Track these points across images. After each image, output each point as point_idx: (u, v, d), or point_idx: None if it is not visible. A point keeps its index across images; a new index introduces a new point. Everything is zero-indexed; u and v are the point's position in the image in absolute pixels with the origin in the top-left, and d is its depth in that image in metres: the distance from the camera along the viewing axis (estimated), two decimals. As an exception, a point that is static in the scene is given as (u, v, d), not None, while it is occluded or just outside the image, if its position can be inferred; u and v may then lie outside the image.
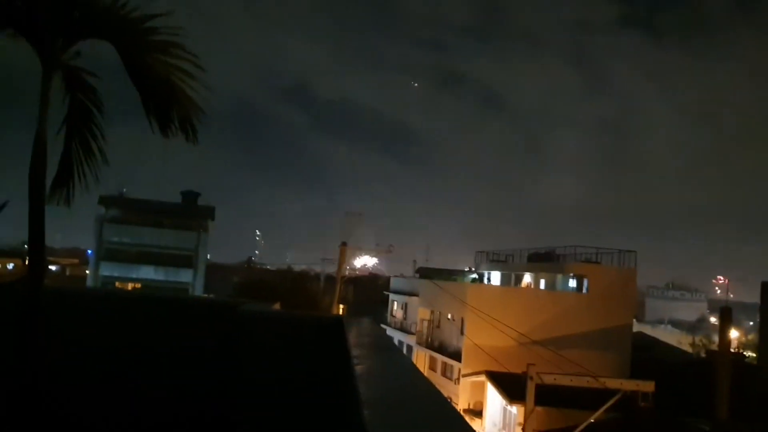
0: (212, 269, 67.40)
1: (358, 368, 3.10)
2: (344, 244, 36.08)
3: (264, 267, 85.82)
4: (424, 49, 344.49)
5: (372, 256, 46.08)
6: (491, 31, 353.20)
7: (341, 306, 51.82)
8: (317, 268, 64.15)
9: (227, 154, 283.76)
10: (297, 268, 75.83)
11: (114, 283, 59.82)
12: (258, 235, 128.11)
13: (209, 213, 68.06)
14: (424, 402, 2.66)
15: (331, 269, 49.63)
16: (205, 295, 52.23)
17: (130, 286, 59.78)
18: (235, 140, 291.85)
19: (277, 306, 7.31)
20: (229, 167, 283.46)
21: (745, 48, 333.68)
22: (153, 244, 63.05)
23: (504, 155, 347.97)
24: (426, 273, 56.13)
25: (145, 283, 60.53)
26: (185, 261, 64.33)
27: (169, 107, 5.45)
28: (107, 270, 62.22)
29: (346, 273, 44.45)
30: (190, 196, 69.87)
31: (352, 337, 4.18)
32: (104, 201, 61.29)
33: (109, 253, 63.03)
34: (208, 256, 69.69)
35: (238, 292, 45.56)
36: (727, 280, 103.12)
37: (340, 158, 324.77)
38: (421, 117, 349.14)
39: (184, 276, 63.58)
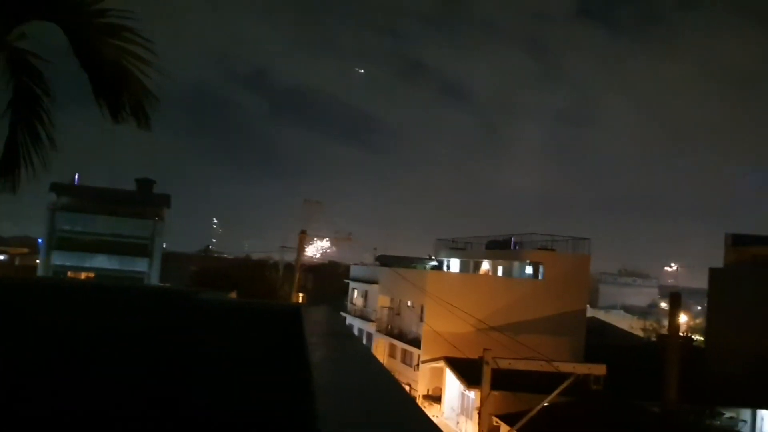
0: (168, 258, 66.47)
1: (314, 356, 3.09)
2: (303, 232, 35.94)
3: (222, 255, 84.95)
4: (384, 37, 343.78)
5: (331, 244, 45.95)
6: (451, 21, 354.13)
7: (300, 294, 51.62)
8: (276, 257, 63.80)
9: (183, 141, 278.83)
10: (255, 256, 75.20)
11: (66, 273, 58.54)
12: (215, 223, 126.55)
13: (165, 201, 67.02)
14: (378, 390, 2.67)
15: (291, 258, 49.41)
16: (161, 284, 51.51)
17: (83, 275, 58.58)
18: (191, 127, 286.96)
19: (233, 295, 7.25)
20: (185, 154, 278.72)
21: (697, 42, 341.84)
22: (107, 233, 61.86)
23: (463, 144, 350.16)
24: (386, 261, 56.25)
25: (99, 272, 59.35)
26: (140, 250, 63.33)
27: (119, 92, 5.32)
28: (59, 259, 60.85)
29: (306, 261, 44.31)
30: (145, 184, 68.67)
31: (309, 325, 4.17)
32: (56, 188, 59.84)
33: (61, 242, 61.63)
34: (164, 245, 68.71)
35: (195, 282, 45.01)
36: (677, 267, 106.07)
37: (300, 145, 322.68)
38: (381, 105, 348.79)
39: (140, 265, 62.60)
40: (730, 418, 32.84)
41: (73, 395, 4.91)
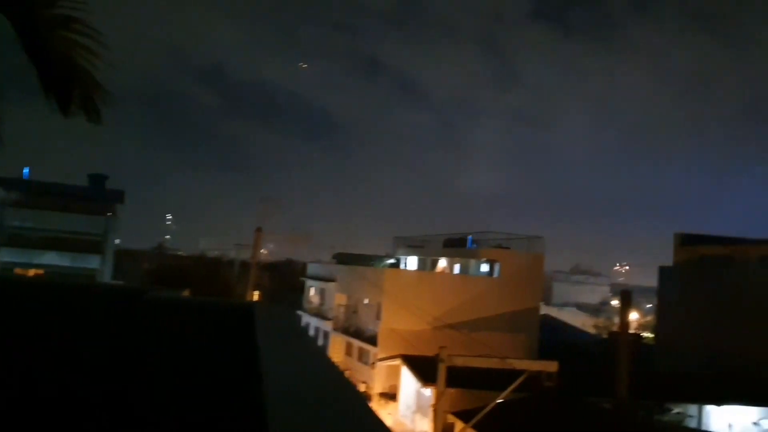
0: (121, 255, 65.27)
1: (265, 356, 3.07)
2: (259, 229, 35.59)
3: (176, 252, 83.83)
4: (342, 34, 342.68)
5: (288, 242, 45.75)
6: (408, 19, 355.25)
7: (256, 293, 51.11)
8: (232, 254, 63.19)
9: (137, 136, 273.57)
10: (211, 253, 74.39)
11: (13, 270, 56.99)
12: (170, 220, 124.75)
13: (118, 197, 65.76)
14: (331, 392, 2.66)
15: (247, 255, 48.98)
16: (113, 282, 50.56)
17: (32, 272, 57.14)
18: (145, 121, 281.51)
19: (186, 293, 7.14)
20: (139, 149, 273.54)
21: (649, 45, 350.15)
22: (58, 229, 60.38)
23: (421, 142, 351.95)
24: (343, 258, 56.18)
25: (50, 269, 58.06)
26: (93, 246, 62.06)
27: (69, 86, 5.20)
28: (8, 256, 59.18)
29: (262, 259, 43.99)
30: (98, 180, 67.35)
31: (262, 324, 4.13)
32: (4, 183, 58.21)
33: (10, 239, 59.92)
34: (117, 241, 67.44)
35: (149, 279, 44.29)
36: (628, 266, 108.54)
37: (257, 142, 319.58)
38: (339, 102, 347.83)
39: (92, 262, 61.36)
40: (678, 413, 33.75)
41: (16, 393, 4.79)
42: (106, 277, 60.20)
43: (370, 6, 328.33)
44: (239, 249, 57.84)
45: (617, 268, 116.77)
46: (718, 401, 34.07)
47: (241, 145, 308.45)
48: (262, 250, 43.24)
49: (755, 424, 34.71)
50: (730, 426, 34.59)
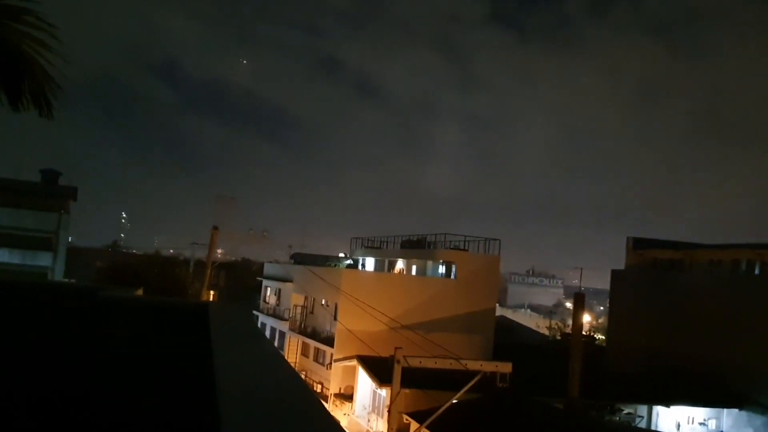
0: (74, 253, 63.77)
1: (218, 357, 3.05)
2: (215, 228, 35.08)
3: (130, 251, 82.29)
4: (301, 33, 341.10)
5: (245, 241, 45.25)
6: (367, 19, 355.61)
7: (212, 292, 50.52)
8: (187, 253, 62.34)
9: (92, 132, 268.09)
10: (165, 252, 73.23)
11: (-40, 267, 55.10)
12: (124, 218, 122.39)
13: (71, 193, 64.18)
14: (285, 393, 2.66)
15: (202, 254, 48.36)
16: (66, 280, 49.37)
17: (-21, 269, 55.38)
18: (100, 117, 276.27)
19: (139, 292, 7.04)
20: (94, 145, 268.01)
21: (603, 51, 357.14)
22: (8, 226, 58.66)
23: (381, 144, 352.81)
24: (301, 259, 55.80)
25: (-1, 266, 56.29)
26: (44, 244, 60.37)
27: (20, 79, 5.07)
28: (-47, 253, 57.19)
29: (218, 258, 43.51)
30: (50, 175, 65.64)
31: (216, 324, 4.10)
32: (-51, 177, 56.26)
33: (-44, 235, 57.92)
34: (70, 239, 65.84)
35: (102, 278, 43.35)
36: (581, 269, 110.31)
37: (214, 140, 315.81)
38: (297, 102, 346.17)
39: (43, 260, 59.70)
40: (629, 413, 34.47)
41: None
42: (58, 275, 58.69)
43: (328, 5, 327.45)
44: (195, 248, 57.13)
45: (571, 273, 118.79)
46: (667, 402, 34.91)
47: (198, 143, 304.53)
48: (218, 250, 42.67)
49: (702, 424, 35.69)
50: (678, 426, 35.50)
